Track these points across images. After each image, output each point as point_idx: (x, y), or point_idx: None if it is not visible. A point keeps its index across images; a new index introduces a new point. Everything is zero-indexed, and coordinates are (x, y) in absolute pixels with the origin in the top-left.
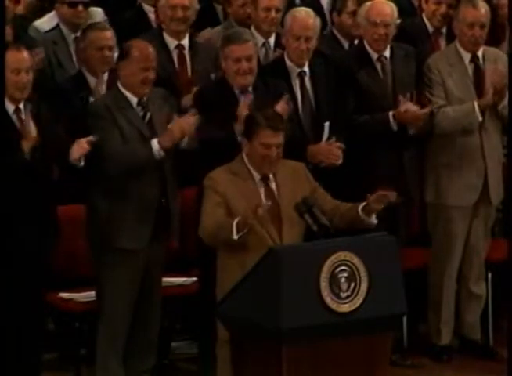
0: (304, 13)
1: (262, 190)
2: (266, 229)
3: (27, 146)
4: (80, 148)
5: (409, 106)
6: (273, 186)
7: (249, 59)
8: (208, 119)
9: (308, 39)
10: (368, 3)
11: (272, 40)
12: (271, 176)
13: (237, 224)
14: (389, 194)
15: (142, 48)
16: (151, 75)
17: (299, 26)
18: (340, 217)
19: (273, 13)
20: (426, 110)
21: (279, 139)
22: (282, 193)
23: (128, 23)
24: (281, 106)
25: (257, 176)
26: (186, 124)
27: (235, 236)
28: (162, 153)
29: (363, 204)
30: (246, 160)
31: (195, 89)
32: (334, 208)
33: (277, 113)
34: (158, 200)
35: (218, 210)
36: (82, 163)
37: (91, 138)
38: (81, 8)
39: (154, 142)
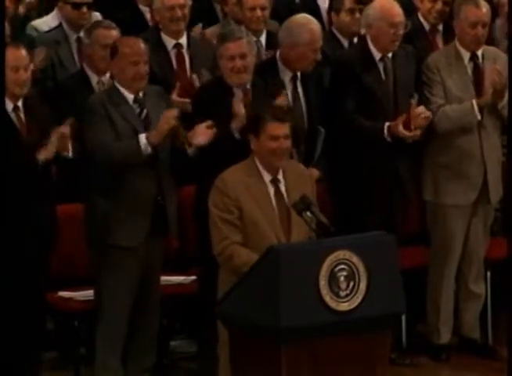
0: (316, 25)
1: (272, 192)
2: (275, 232)
3: (43, 157)
4: (60, 135)
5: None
6: (283, 188)
7: (242, 56)
8: (207, 117)
9: (318, 49)
10: (375, 4)
11: (263, 39)
12: (281, 178)
13: None
14: None
15: (130, 44)
16: (142, 70)
17: (317, 38)
18: None
19: (258, 12)
20: (417, 133)
21: (286, 129)
22: (291, 196)
23: (124, 23)
24: (279, 102)
25: (267, 178)
26: (171, 116)
27: None
28: (149, 149)
29: None
30: (256, 161)
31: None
32: None
33: (281, 105)
34: (154, 198)
35: (236, 234)
36: (70, 154)
37: (69, 120)
38: (85, 9)
39: (142, 137)
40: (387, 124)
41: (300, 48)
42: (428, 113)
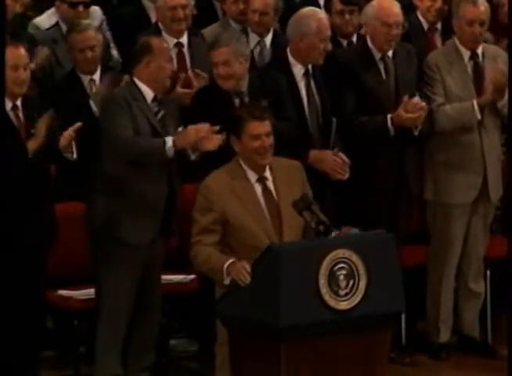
0: (323, 15)
1: (259, 191)
2: (265, 231)
3: (32, 146)
4: (67, 135)
5: (404, 111)
6: (271, 186)
7: (226, 63)
8: (205, 120)
9: (327, 40)
10: (373, 2)
11: (268, 39)
12: (268, 176)
13: (227, 269)
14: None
15: (162, 43)
16: (173, 68)
17: (325, 28)
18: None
19: (256, 17)
20: (419, 114)
21: (266, 127)
22: (280, 192)
23: (127, 19)
24: None
25: (253, 177)
26: (203, 130)
27: (226, 281)
28: (172, 153)
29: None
30: (241, 162)
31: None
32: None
33: (257, 104)
34: (165, 199)
35: (209, 237)
36: (75, 155)
37: (77, 125)
38: (81, 8)
39: (169, 140)
40: (389, 115)
41: (309, 39)
42: (423, 104)
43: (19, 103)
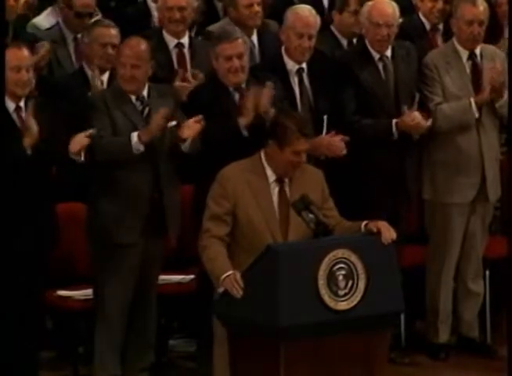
0: (307, 11)
1: (276, 191)
2: (271, 231)
3: (28, 142)
4: (79, 141)
5: (412, 118)
6: (286, 188)
7: (240, 56)
8: (204, 117)
9: (310, 37)
10: (370, 3)
11: (255, 38)
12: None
13: (222, 281)
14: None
15: (129, 45)
16: (128, 72)
17: (302, 23)
18: (341, 233)
19: (256, 7)
20: (429, 123)
21: (308, 144)
22: (294, 195)
23: (130, 19)
24: (265, 93)
25: (271, 177)
26: (161, 116)
27: (219, 290)
28: (141, 147)
29: (365, 222)
30: (263, 160)
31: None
32: (336, 225)
33: (304, 118)
34: (150, 196)
35: (219, 227)
36: (82, 158)
37: (91, 131)
38: (87, 19)
39: (134, 136)
40: (394, 120)
41: (287, 32)
42: (418, 120)
43: (22, 104)
